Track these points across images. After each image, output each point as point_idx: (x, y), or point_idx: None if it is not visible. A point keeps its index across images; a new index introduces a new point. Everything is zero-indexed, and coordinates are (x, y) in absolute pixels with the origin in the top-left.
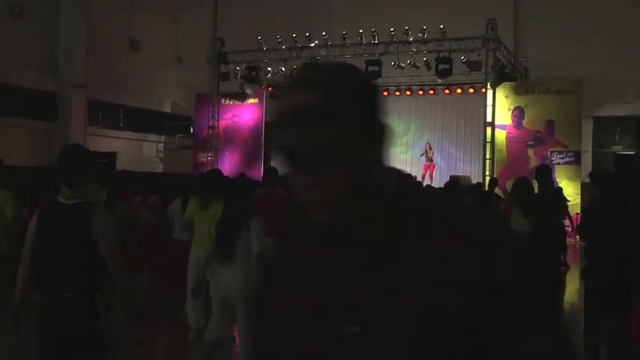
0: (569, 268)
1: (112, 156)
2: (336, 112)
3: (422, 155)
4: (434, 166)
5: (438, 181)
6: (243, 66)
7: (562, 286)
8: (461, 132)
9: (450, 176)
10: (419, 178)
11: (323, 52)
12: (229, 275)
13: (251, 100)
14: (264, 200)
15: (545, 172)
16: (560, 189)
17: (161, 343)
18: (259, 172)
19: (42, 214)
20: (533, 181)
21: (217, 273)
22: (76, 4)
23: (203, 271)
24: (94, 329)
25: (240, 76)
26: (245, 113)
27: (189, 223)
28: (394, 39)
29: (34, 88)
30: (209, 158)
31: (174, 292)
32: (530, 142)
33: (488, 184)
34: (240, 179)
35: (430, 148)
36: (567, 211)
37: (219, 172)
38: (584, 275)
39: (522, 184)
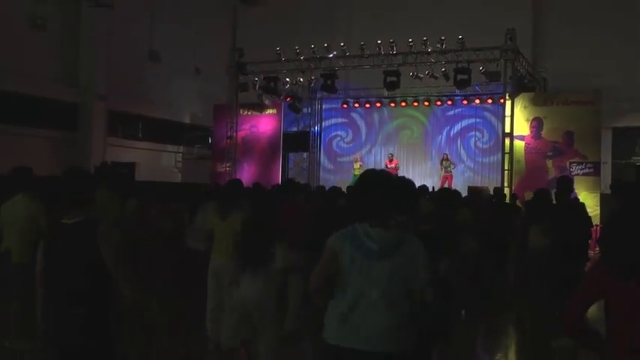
0: None
1: (131, 166)
2: None
3: (441, 168)
4: (451, 177)
5: None
6: (262, 77)
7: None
8: (479, 142)
9: (468, 187)
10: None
11: (341, 63)
12: (250, 285)
13: (269, 111)
14: (289, 211)
15: (561, 184)
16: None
17: (178, 354)
18: (277, 183)
19: (48, 239)
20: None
21: (238, 282)
22: (96, 16)
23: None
24: (100, 343)
25: (259, 87)
26: (263, 124)
27: (210, 233)
28: (412, 49)
29: (56, 99)
30: (227, 168)
31: (192, 303)
32: (549, 153)
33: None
34: (258, 189)
35: (447, 159)
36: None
37: (240, 182)
38: None
39: (541, 195)
